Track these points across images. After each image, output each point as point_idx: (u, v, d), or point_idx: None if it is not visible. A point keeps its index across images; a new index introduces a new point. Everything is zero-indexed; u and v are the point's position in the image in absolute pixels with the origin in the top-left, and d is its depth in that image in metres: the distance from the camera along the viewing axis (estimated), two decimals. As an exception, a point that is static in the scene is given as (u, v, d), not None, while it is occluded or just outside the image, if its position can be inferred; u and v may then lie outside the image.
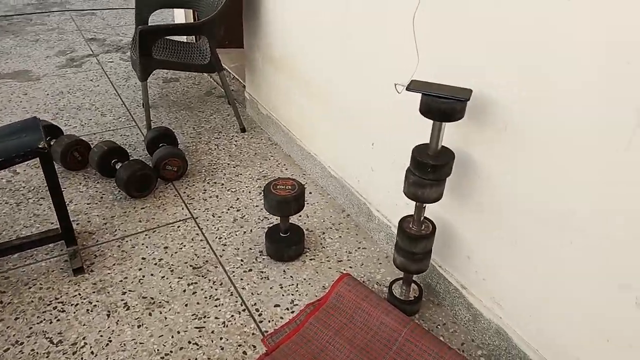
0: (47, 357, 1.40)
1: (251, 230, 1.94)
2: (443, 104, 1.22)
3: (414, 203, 1.42)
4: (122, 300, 1.59)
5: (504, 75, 1.19)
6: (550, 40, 1.06)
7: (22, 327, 1.49)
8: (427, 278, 1.65)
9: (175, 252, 1.81)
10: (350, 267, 1.76)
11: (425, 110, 1.26)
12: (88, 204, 2.06)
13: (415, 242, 1.42)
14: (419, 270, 1.49)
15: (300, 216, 2.02)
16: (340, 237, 1.91)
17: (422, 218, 1.45)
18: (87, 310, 1.55)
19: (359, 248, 1.85)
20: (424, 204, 1.42)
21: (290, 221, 1.82)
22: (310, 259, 1.79)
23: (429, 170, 1.31)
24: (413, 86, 1.27)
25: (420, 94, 1.26)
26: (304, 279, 1.70)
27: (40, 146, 1.55)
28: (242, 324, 1.52)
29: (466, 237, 1.45)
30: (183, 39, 3.62)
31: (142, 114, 2.83)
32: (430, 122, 1.30)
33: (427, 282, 1.66)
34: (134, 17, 4.69)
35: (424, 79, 1.41)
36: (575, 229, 1.10)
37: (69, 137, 2.28)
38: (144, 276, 1.69)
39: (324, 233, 1.93)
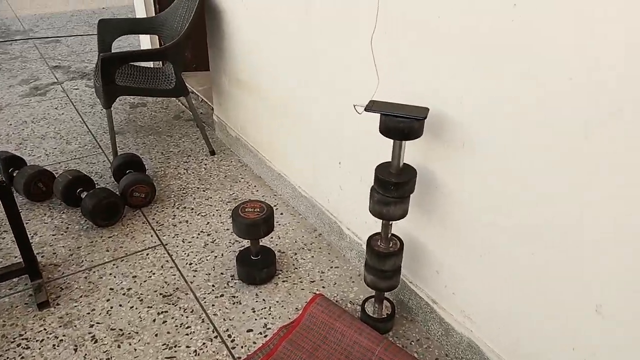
0: (9, 398, 1.34)
1: (222, 255, 1.92)
2: (401, 123, 1.25)
3: (381, 221, 1.44)
4: (89, 333, 1.55)
5: (459, 94, 1.23)
6: (501, 60, 1.10)
7: (-17, 368, 1.43)
8: (399, 294, 1.67)
9: (145, 281, 1.77)
10: (324, 287, 1.76)
11: (385, 129, 1.29)
12: (53, 235, 2.01)
13: (384, 259, 1.44)
14: (389, 287, 1.50)
15: (272, 238, 2.02)
16: (312, 257, 1.91)
17: (389, 235, 1.47)
18: (54, 345, 1.50)
19: (332, 267, 1.86)
20: (390, 222, 1.44)
21: (261, 243, 1.81)
22: (283, 281, 1.78)
23: (392, 188, 1.33)
24: (372, 107, 1.29)
25: (379, 114, 1.29)
26: (277, 302, 1.69)
27: (-2, 179, 1.52)
28: (214, 352, 1.50)
29: (434, 252, 1.47)
30: (150, 64, 3.61)
31: (109, 141, 2.79)
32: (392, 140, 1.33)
33: (399, 299, 1.67)
34: (99, 44, 4.67)
35: (385, 99, 1.45)
36: (535, 240, 1.14)
37: (32, 168, 2.23)
38: (112, 307, 1.65)
39: (296, 254, 1.93)
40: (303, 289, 1.74)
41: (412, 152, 1.44)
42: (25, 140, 2.79)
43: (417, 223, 1.50)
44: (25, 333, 1.55)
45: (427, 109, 1.29)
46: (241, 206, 1.72)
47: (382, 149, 1.54)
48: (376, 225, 1.65)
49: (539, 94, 1.04)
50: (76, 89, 3.56)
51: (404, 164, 1.38)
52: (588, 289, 1.05)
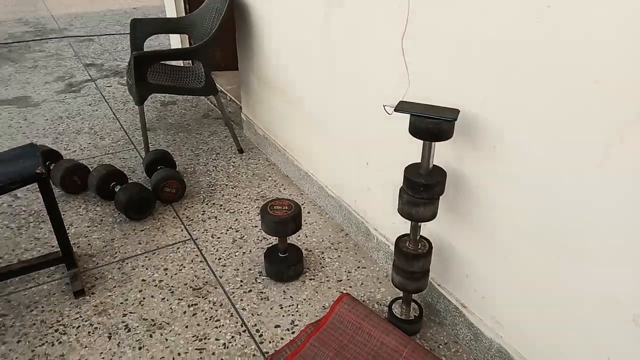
0: (48, 381, 1.40)
1: (250, 251, 1.95)
2: (431, 124, 1.26)
3: (410, 222, 1.45)
4: (123, 322, 1.60)
5: (491, 96, 1.23)
6: (537, 61, 1.10)
7: (25, 350, 1.49)
8: (427, 297, 1.67)
9: (175, 274, 1.82)
10: (350, 287, 1.77)
11: (414, 130, 1.30)
12: (88, 226, 2.08)
13: (412, 261, 1.45)
14: (417, 289, 1.50)
15: (298, 236, 2.05)
16: (339, 256, 1.93)
17: (418, 237, 1.47)
18: (89, 332, 1.56)
19: (359, 267, 1.87)
20: (419, 223, 1.45)
21: (288, 241, 1.84)
22: (310, 279, 1.80)
23: (422, 189, 1.34)
24: (401, 107, 1.31)
25: (409, 115, 1.30)
26: (304, 299, 1.71)
27: (37, 171, 1.58)
28: (242, 345, 1.53)
29: (464, 255, 1.47)
30: (179, 63, 3.68)
31: (141, 137, 2.86)
32: (421, 142, 1.34)
33: (427, 301, 1.68)
34: (131, 42, 4.78)
35: (415, 100, 1.46)
36: (569, 246, 1.13)
37: (68, 162, 2.30)
38: (144, 298, 1.70)
39: (323, 253, 1.95)
40: (330, 288, 1.76)
41: (442, 154, 1.44)
42: (61, 134, 2.88)
43: (446, 225, 1.51)
44: (63, 319, 1.61)
45: (457, 111, 1.29)
46: (269, 204, 1.75)
47: (411, 150, 1.54)
48: (404, 226, 1.65)
49: (571, 97, 1.03)
50: (109, 86, 3.66)
51: (434, 165, 1.38)
52: (625, 298, 1.04)
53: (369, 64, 1.68)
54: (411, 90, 1.50)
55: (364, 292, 1.75)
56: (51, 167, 2.31)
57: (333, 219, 2.16)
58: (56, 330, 1.56)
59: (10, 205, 2.21)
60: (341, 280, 1.80)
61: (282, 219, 1.69)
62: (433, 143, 1.32)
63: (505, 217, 1.29)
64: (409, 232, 1.49)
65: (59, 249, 1.74)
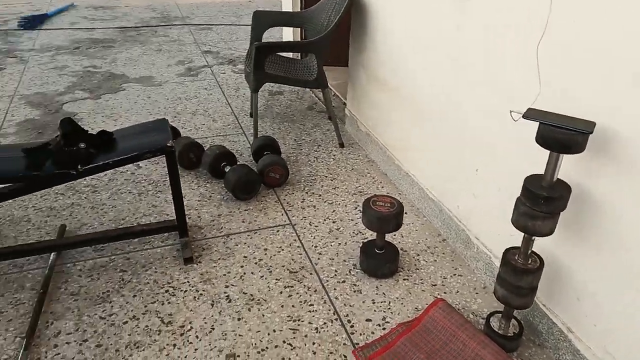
0: (158, 334, 1.53)
1: (345, 243, 1.98)
2: (563, 135, 1.19)
3: (521, 234, 1.38)
4: (224, 292, 1.70)
5: (633, 112, 1.13)
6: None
7: (139, 304, 1.65)
8: (529, 315, 1.58)
9: (274, 255, 1.90)
10: (445, 293, 1.73)
11: (543, 140, 1.23)
12: (198, 200, 2.23)
13: (520, 275, 1.38)
14: (522, 305, 1.43)
15: (394, 235, 2.04)
16: (435, 261, 1.90)
17: (529, 251, 1.40)
18: (194, 297, 1.68)
19: (455, 275, 1.82)
20: (533, 237, 1.37)
21: (385, 239, 1.84)
22: (404, 279, 1.79)
23: (542, 202, 1.27)
24: (531, 115, 1.25)
25: (538, 123, 1.23)
26: (397, 298, 1.71)
27: (168, 145, 1.73)
28: (334, 333, 1.56)
29: (578, 276, 1.38)
30: (289, 55, 3.81)
31: (249, 123, 3.02)
32: (546, 152, 1.27)
33: (528, 320, 1.59)
34: (245, 34, 5.05)
35: (544, 109, 1.38)
36: None
37: (186, 139, 2.49)
38: (244, 273, 1.80)
39: (418, 255, 1.93)
40: (424, 291, 1.74)
41: (567, 167, 1.35)
42: (179, 114, 3.13)
43: (563, 243, 1.42)
44: (172, 282, 1.75)
45: (593, 123, 1.21)
46: (372, 199, 1.76)
47: (529, 161, 1.47)
48: (511, 238, 1.58)
49: None
50: (223, 73, 3.89)
51: (558, 178, 1.31)
52: None
53: (496, 68, 1.62)
54: (541, 98, 1.42)
55: (460, 300, 1.71)
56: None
57: (431, 222, 2.13)
58: (166, 291, 1.71)
59: (132, 174, 2.44)
60: (436, 285, 1.77)
61: (384, 215, 1.69)
62: (561, 155, 1.25)
63: (637, 239, 1.18)
64: (516, 245, 1.42)
65: (175, 218, 1.89)
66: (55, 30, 5.01)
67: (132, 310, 1.62)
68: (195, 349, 1.49)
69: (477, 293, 1.74)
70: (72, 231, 2.00)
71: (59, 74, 3.74)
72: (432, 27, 1.96)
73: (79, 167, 1.57)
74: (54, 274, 1.76)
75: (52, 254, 1.83)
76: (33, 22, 5.18)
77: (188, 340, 1.51)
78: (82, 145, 1.60)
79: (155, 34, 4.95)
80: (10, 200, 2.17)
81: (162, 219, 2.09)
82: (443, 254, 1.94)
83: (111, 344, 1.50)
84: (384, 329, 1.58)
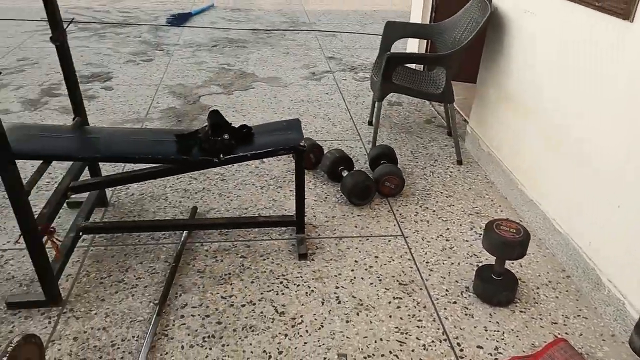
0: (272, 322, 1.62)
1: (459, 264, 1.93)
2: None
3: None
4: (334, 293, 1.75)
5: None
6: None
7: (256, 290, 1.75)
8: (666, 375, 1.41)
9: (385, 264, 1.91)
10: (566, 334, 1.61)
11: None
12: (314, 200, 2.32)
13: (667, 329, 1.24)
14: (663, 362, 1.29)
15: (512, 264, 1.94)
16: (556, 297, 1.77)
17: (681, 305, 1.25)
18: (306, 293, 1.75)
19: (579, 316, 1.69)
20: (688, 290, 1.22)
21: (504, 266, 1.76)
22: (521, 311, 1.70)
23: None
24: None
25: None
26: (511, 330, 1.62)
27: (301, 144, 1.82)
28: (442, 353, 1.53)
29: None
30: (413, 66, 3.80)
31: (366, 131, 3.06)
32: None
33: (664, 379, 1.42)
34: (368, 42, 5.12)
35: None
36: None
37: (308, 140, 2.59)
38: (355, 277, 1.83)
39: (538, 288, 1.81)
40: (542, 327, 1.63)
41: None
42: (301, 115, 3.27)
43: None
44: (287, 275, 1.83)
45: None
46: (496, 222, 1.70)
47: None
48: (657, 288, 1.42)
49: None
50: (344, 79, 3.99)
51: None
52: None
53: (654, 97, 1.48)
54: None
55: (582, 344, 1.57)
56: (293, 142, 2.63)
57: (554, 255, 1.99)
58: (281, 283, 1.80)
59: (257, 167, 2.60)
60: (556, 323, 1.65)
61: (509, 241, 1.62)
62: None
63: None
64: (667, 296, 1.27)
65: (294, 213, 1.98)
66: (197, 28, 5.51)
67: (249, 295, 1.73)
68: (305, 343, 1.55)
69: (603, 340, 1.59)
70: (202, 213, 2.19)
71: (198, 69, 4.11)
72: (571, 53, 1.83)
73: (221, 156, 1.72)
74: (184, 251, 1.94)
75: (185, 232, 2.02)
76: (179, 20, 5.75)
77: (298, 333, 1.58)
78: (226, 136, 1.74)
79: (284, 38, 5.22)
80: (152, 179, 2.43)
81: (280, 214, 2.20)
82: (567, 291, 1.80)
83: (229, 324, 1.61)
84: (496, 358, 1.51)
